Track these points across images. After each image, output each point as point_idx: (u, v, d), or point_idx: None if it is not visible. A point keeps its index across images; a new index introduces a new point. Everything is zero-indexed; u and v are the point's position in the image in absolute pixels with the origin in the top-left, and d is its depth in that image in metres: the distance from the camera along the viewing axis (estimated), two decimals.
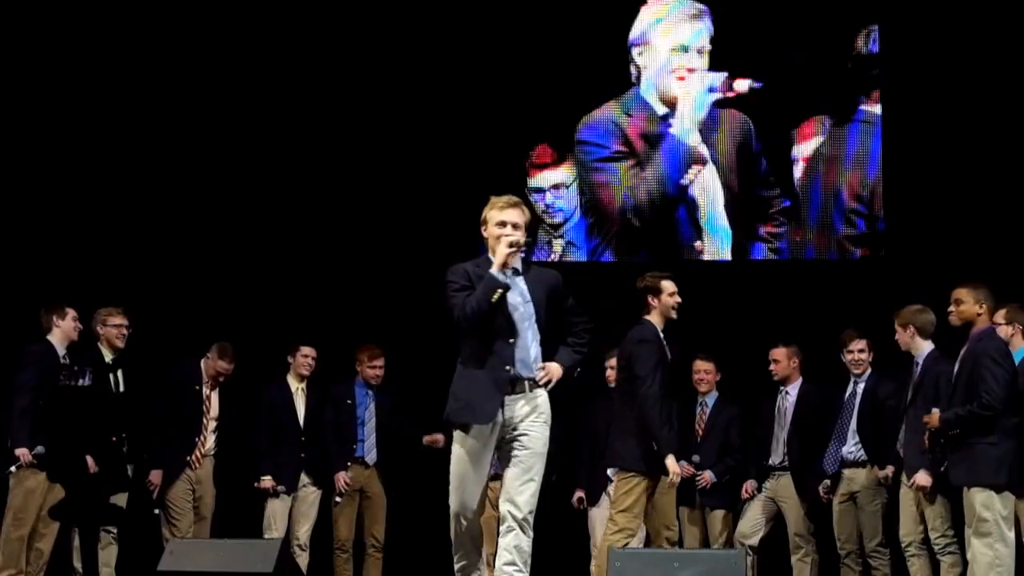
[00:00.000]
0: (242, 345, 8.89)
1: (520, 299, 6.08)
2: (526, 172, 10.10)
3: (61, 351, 8.19)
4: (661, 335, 7.29)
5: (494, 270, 5.97)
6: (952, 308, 7.11)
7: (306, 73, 10.05)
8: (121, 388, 8.35)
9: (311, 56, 10.06)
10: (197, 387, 8.63)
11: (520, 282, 6.11)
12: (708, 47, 9.92)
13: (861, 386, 8.28)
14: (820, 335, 8.69)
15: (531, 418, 6.08)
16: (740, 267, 9.78)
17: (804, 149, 9.84)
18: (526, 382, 6.07)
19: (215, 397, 8.72)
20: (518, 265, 6.13)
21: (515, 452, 6.06)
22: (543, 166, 10.16)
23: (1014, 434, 6.89)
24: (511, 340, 6.03)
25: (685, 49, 9.95)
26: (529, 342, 6.08)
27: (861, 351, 8.26)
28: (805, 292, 9.51)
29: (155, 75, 9.94)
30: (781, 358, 8.59)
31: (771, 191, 9.86)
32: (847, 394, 8.32)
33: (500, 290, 5.95)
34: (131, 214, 9.88)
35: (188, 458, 8.54)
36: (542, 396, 6.12)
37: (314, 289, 9.91)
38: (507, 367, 6.02)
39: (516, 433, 6.06)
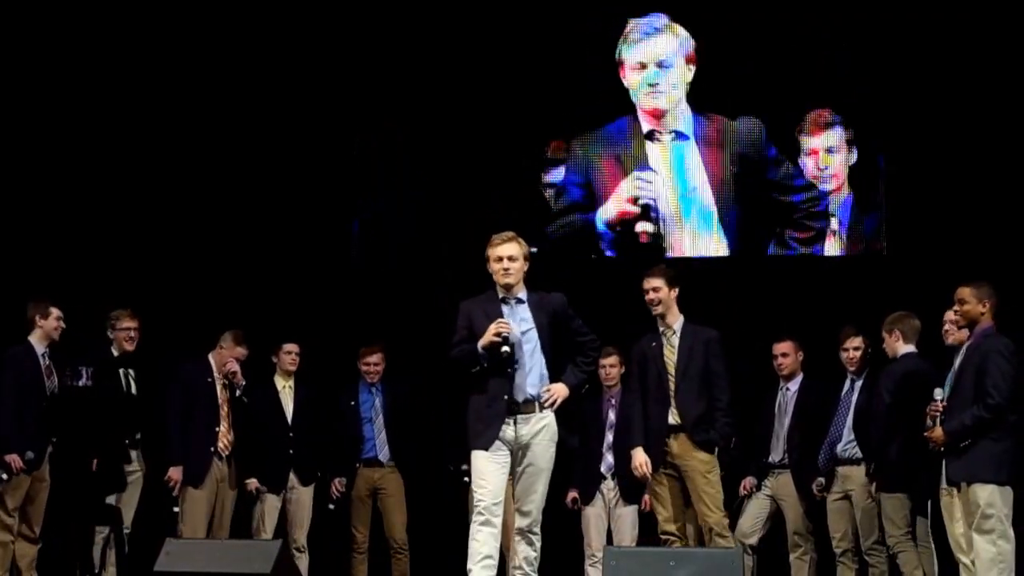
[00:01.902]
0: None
1: (519, 328, 6.59)
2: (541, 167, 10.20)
3: (40, 350, 8.17)
4: (659, 333, 7.49)
5: (480, 348, 6.52)
6: (956, 308, 7.12)
7: (302, 80, 10.07)
8: (133, 388, 8.40)
9: (312, 63, 10.09)
10: (209, 379, 8.57)
11: (522, 310, 6.69)
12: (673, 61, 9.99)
13: (859, 384, 8.28)
14: (820, 333, 8.69)
15: (538, 437, 6.64)
16: (737, 265, 9.79)
17: (812, 142, 9.90)
18: (535, 404, 6.63)
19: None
20: (522, 295, 6.67)
21: (522, 469, 6.64)
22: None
23: (1014, 431, 6.89)
24: (508, 370, 6.56)
25: (643, 65, 10.02)
26: (531, 367, 6.64)
27: (856, 349, 8.26)
28: (804, 290, 9.52)
29: (157, 75, 9.96)
30: (789, 351, 8.58)
31: (797, 196, 9.89)
32: (843, 392, 8.32)
33: (479, 366, 6.56)
34: (121, 213, 9.89)
35: (213, 449, 8.46)
36: (549, 417, 6.68)
37: (305, 288, 9.94)
38: (504, 396, 6.57)
39: (524, 452, 6.63)
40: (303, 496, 8.82)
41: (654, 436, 7.39)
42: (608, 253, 10.01)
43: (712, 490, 7.30)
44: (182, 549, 7.09)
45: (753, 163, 9.90)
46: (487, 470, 6.56)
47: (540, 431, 6.62)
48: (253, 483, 8.70)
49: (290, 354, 8.91)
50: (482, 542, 6.50)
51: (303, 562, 8.65)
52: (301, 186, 10.07)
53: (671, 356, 7.39)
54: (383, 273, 10.07)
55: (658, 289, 7.42)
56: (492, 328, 6.52)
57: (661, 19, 10.02)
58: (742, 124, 9.91)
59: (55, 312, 8.20)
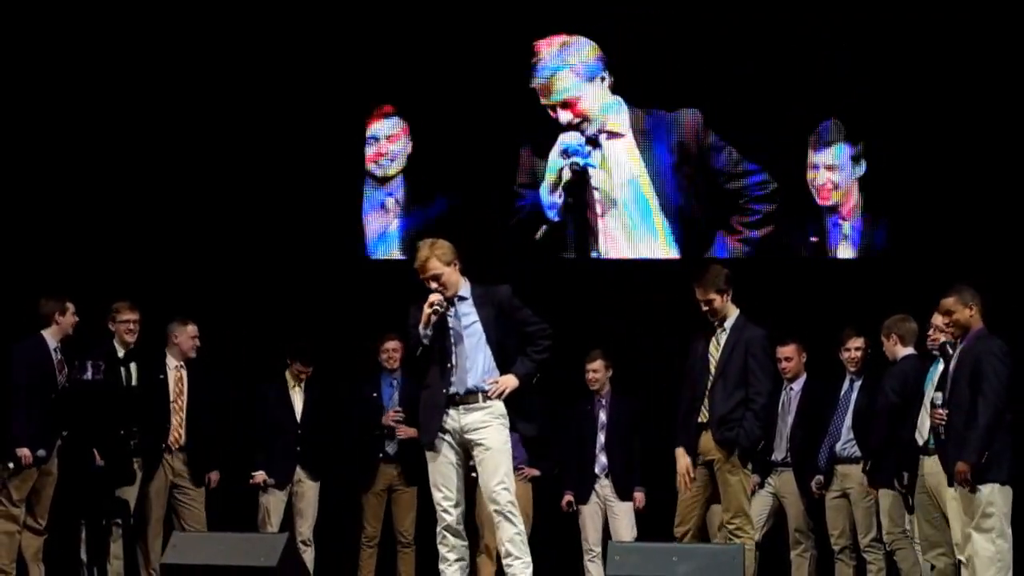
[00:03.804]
0: (242, 343, 8.99)
1: (460, 324, 6.67)
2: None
3: (53, 344, 8.21)
4: (712, 331, 7.37)
5: (420, 328, 6.61)
6: (945, 320, 7.12)
7: (309, 73, 10.11)
8: (134, 382, 8.43)
9: (315, 61, 10.13)
10: (162, 376, 8.58)
11: (464, 306, 6.71)
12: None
13: (858, 384, 8.39)
14: (816, 333, 8.80)
15: (484, 423, 6.66)
16: (733, 265, 9.84)
17: (820, 157, 9.94)
18: (479, 395, 6.67)
19: (185, 377, 8.64)
20: (465, 291, 6.71)
21: (477, 456, 6.66)
22: None
23: (1012, 430, 6.95)
24: (448, 365, 6.67)
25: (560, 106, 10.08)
26: (474, 360, 6.69)
27: (858, 349, 8.37)
28: (800, 291, 9.58)
29: (161, 71, 9.99)
30: (793, 355, 8.66)
31: (741, 181, 9.91)
32: (842, 391, 8.44)
33: (421, 347, 6.65)
34: (129, 208, 9.92)
35: (164, 444, 8.47)
36: (495, 404, 6.69)
37: (313, 286, 9.99)
38: (443, 390, 6.65)
39: (473, 439, 6.65)
40: (309, 490, 8.89)
41: (689, 433, 7.35)
42: (554, 218, 10.02)
43: (730, 489, 7.18)
44: (188, 542, 7.16)
45: (693, 152, 9.93)
46: (440, 472, 6.66)
47: (484, 417, 6.64)
48: (261, 475, 8.78)
49: (300, 365, 8.98)
50: (449, 547, 6.65)
51: (309, 555, 8.74)
52: (304, 180, 10.10)
53: (715, 353, 7.32)
54: (389, 268, 10.11)
55: (711, 301, 7.30)
56: (425, 306, 6.58)
57: (561, 48, 10.07)
58: (680, 115, 9.95)
59: (72, 307, 8.25)
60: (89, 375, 7.98)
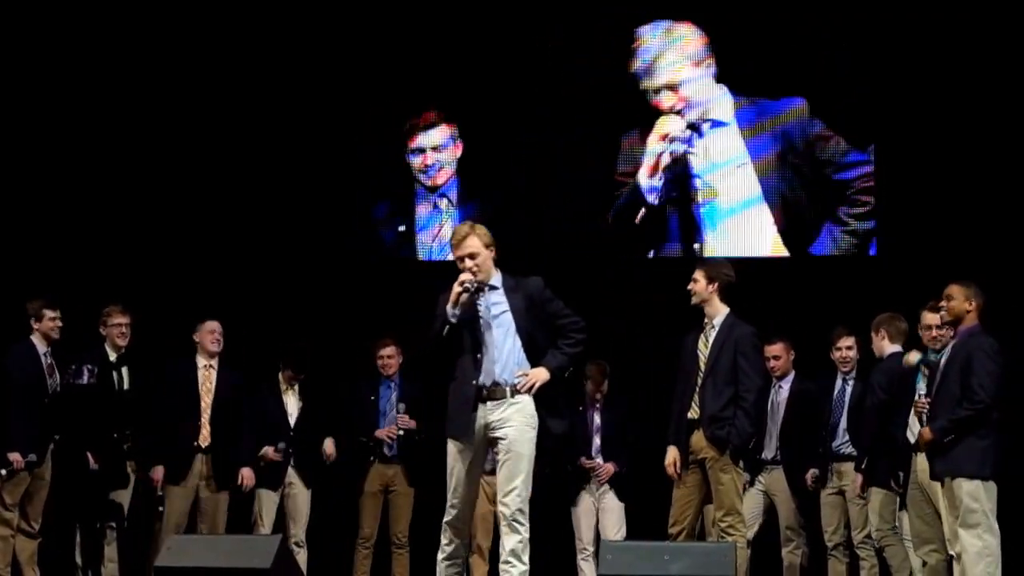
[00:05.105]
0: (241, 343, 9.01)
1: (490, 313, 6.47)
2: None
3: (42, 349, 8.25)
4: (702, 328, 7.33)
5: (448, 307, 6.38)
6: (943, 303, 7.16)
7: (307, 74, 10.17)
8: (126, 386, 8.43)
9: (319, 60, 10.17)
10: (192, 377, 8.56)
11: (494, 295, 6.50)
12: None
13: (851, 382, 8.41)
14: (809, 331, 8.80)
15: (511, 421, 6.47)
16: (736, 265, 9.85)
17: None
18: (507, 389, 6.47)
19: (213, 377, 8.62)
20: (496, 281, 6.52)
21: (500, 456, 6.49)
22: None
23: (998, 428, 6.96)
24: (478, 355, 6.46)
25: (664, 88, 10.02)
26: (504, 352, 6.49)
27: (849, 348, 8.40)
28: (794, 290, 9.59)
29: (158, 72, 10.04)
30: (781, 353, 8.68)
31: (848, 172, 9.82)
32: (836, 391, 8.46)
33: (448, 325, 6.40)
34: (126, 210, 9.97)
35: (195, 443, 8.46)
36: (524, 400, 6.48)
37: (314, 287, 10.04)
38: (472, 381, 6.45)
39: (498, 436, 6.48)
40: (301, 491, 8.88)
41: (681, 430, 7.32)
42: (654, 203, 9.94)
43: (722, 488, 7.15)
44: (182, 545, 7.16)
45: (798, 141, 9.85)
46: (458, 466, 6.51)
47: (512, 415, 6.46)
48: (249, 476, 8.70)
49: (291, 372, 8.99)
50: (449, 540, 6.58)
51: (301, 557, 8.72)
52: (303, 179, 10.13)
53: (704, 350, 7.28)
54: (392, 266, 10.14)
55: (696, 281, 7.30)
56: (455, 285, 6.38)
57: (665, 32, 10.02)
58: (784, 104, 9.89)
59: (49, 313, 8.26)
60: (84, 379, 8.03)
